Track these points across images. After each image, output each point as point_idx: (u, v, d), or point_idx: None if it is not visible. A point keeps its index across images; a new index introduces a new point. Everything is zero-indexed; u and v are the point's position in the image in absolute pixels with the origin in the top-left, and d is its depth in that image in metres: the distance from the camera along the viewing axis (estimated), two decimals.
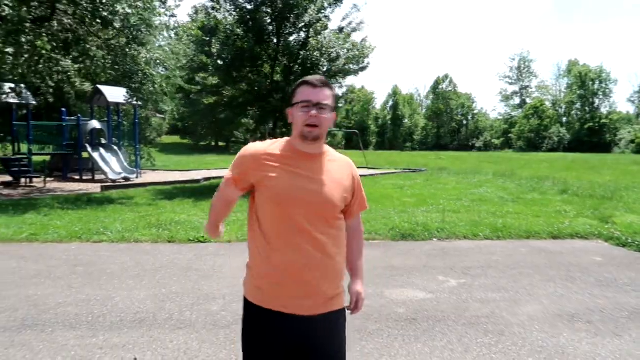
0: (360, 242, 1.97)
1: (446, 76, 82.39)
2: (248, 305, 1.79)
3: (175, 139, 48.10)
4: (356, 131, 36.50)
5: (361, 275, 1.95)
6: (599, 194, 11.84)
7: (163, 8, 12.87)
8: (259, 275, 1.76)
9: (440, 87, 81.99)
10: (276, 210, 1.71)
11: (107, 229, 7.37)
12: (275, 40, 13.38)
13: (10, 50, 10.17)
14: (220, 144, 48.13)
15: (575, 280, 5.00)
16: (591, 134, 64.65)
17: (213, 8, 13.57)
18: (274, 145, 1.79)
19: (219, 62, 13.11)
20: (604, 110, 68.87)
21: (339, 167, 1.82)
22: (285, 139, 1.83)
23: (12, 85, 14.38)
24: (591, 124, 65.49)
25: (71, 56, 12.76)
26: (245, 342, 1.80)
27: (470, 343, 3.48)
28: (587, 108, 68.92)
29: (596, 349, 3.41)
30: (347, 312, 1.87)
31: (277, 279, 1.71)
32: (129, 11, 10.47)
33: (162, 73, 13.85)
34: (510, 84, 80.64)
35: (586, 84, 68.75)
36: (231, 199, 1.92)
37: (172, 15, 13.79)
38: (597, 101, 69.48)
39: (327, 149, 1.84)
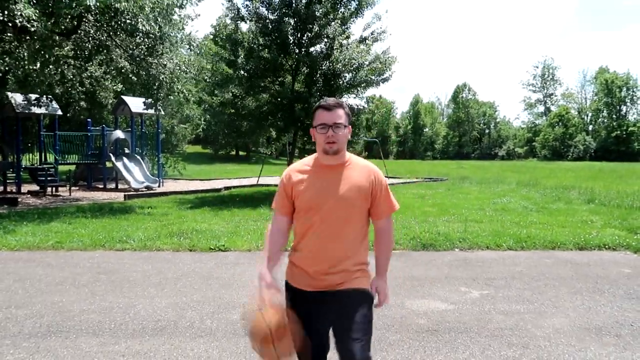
0: (385, 243, 2.27)
1: (465, 84, 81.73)
2: None
3: (197, 148, 48.75)
4: (376, 140, 36.48)
5: (382, 272, 2.26)
6: (627, 203, 11.52)
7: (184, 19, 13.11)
8: None
9: (461, 95, 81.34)
10: (311, 212, 2.10)
11: (130, 237, 7.48)
12: (297, 51, 13.49)
13: (37, 65, 10.51)
14: (241, 153, 48.59)
15: (603, 293, 4.86)
16: (618, 143, 63.17)
17: (236, 19, 13.74)
18: (304, 162, 2.20)
19: (241, 72, 13.25)
20: (631, 118, 67.36)
21: (358, 172, 2.13)
22: (314, 155, 2.20)
23: (39, 97, 14.80)
24: (618, 132, 64.00)
25: (97, 61, 13.04)
26: None
27: (494, 355, 3.40)
28: (613, 116, 67.45)
29: None
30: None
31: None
32: (150, 27, 10.70)
33: (184, 80, 14.08)
34: (534, 91, 79.59)
35: (613, 91, 67.30)
36: (282, 227, 2.22)
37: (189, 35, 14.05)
38: (624, 109, 67.96)
39: (351, 159, 2.17)
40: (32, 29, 9.19)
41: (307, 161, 2.20)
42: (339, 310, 2.08)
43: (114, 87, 16.26)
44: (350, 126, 2.13)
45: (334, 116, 2.06)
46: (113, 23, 10.88)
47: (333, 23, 12.75)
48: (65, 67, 12.37)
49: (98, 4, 9.64)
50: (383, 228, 2.23)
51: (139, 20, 10.45)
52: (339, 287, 2.10)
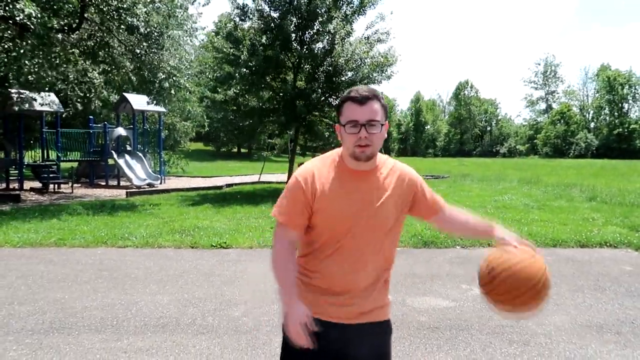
0: (464, 211, 1.94)
1: (467, 82, 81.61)
2: None
3: (199, 145, 48.77)
4: None
5: (488, 221, 1.94)
6: (629, 201, 11.50)
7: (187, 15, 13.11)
8: None
9: (463, 92, 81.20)
10: (342, 227, 1.68)
11: (132, 234, 7.50)
12: (299, 48, 13.48)
13: (38, 61, 10.50)
14: (243, 150, 48.61)
15: (605, 290, 4.86)
16: (620, 140, 63.06)
17: (239, 16, 13.74)
18: (326, 163, 1.72)
19: (244, 69, 13.27)
20: (633, 115, 67.21)
21: (394, 178, 1.73)
22: (336, 153, 1.73)
23: (42, 94, 14.81)
24: (620, 130, 63.87)
25: (100, 68, 13.08)
26: None
27: (495, 353, 3.41)
28: (615, 113, 67.28)
29: None
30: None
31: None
32: (155, 19, 10.69)
33: (187, 76, 14.08)
34: (536, 89, 79.45)
35: (615, 89, 67.11)
36: (293, 248, 1.75)
37: (195, 29, 14.05)
38: (626, 106, 67.79)
39: (381, 160, 1.74)
40: (32, 27, 9.19)
41: (328, 162, 1.72)
42: (373, 349, 1.74)
43: (109, 95, 16.28)
44: (387, 122, 1.68)
45: (368, 111, 1.59)
46: (115, 17, 10.86)
47: (335, 20, 12.74)
48: (70, 67, 12.36)
49: None
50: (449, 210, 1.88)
51: (141, 16, 10.44)
52: (371, 318, 1.73)
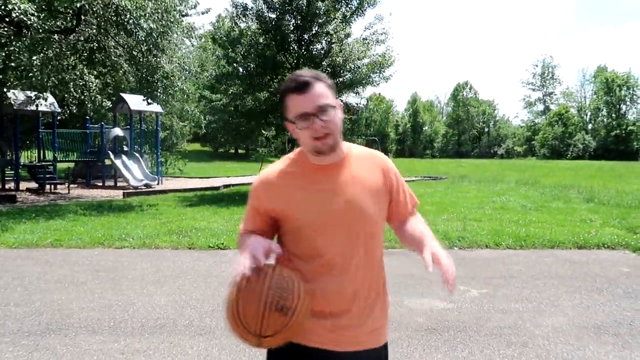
0: (422, 223, 1.65)
1: (466, 83, 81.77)
2: None
3: (196, 146, 48.71)
4: (375, 138, 36.41)
5: (432, 237, 1.54)
6: (627, 202, 11.53)
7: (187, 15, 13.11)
8: None
9: (461, 93, 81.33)
10: (313, 237, 1.47)
11: (129, 235, 7.48)
12: (297, 49, 13.48)
13: (36, 60, 10.45)
14: (240, 151, 48.57)
15: (602, 292, 4.86)
16: (617, 142, 63.22)
17: (237, 16, 13.73)
18: (285, 164, 1.53)
19: (241, 70, 13.27)
20: (631, 117, 67.39)
21: (366, 167, 1.52)
22: (299, 150, 1.52)
23: (39, 94, 14.78)
24: (617, 131, 64.05)
25: (95, 72, 13.06)
26: None
27: (493, 354, 3.41)
28: (613, 115, 67.44)
29: None
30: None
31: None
32: (152, 26, 10.67)
33: (184, 79, 14.08)
34: (534, 90, 79.61)
35: (612, 90, 67.32)
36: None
37: (192, 29, 14.03)
38: (623, 107, 67.98)
39: (349, 150, 1.53)
40: (29, 23, 9.15)
41: (289, 162, 1.52)
42: None
43: (104, 102, 16.24)
44: (338, 101, 1.46)
45: (314, 98, 1.37)
46: (113, 20, 10.84)
47: (334, 21, 12.76)
48: (68, 69, 12.32)
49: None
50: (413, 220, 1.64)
51: (140, 19, 10.41)
52: (367, 345, 1.49)
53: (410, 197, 1.65)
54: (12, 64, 10.47)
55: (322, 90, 1.39)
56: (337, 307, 1.45)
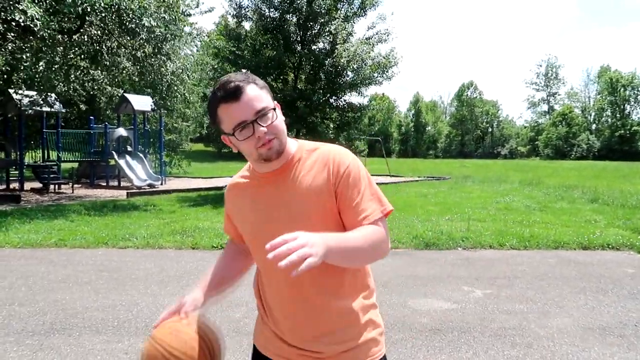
0: (362, 229, 1.25)
1: (471, 83, 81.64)
2: None
3: (200, 146, 48.83)
4: (379, 138, 36.39)
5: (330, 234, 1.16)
6: (631, 203, 11.48)
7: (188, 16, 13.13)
8: None
9: (465, 93, 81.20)
10: (256, 251, 1.40)
11: (133, 235, 7.49)
12: (299, 48, 13.49)
13: (42, 64, 10.50)
14: None
15: (607, 293, 4.84)
16: (622, 142, 62.94)
17: (239, 16, 13.76)
18: (243, 172, 1.46)
19: (243, 70, 13.31)
20: (635, 117, 67.12)
21: (311, 168, 1.32)
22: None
23: (43, 95, 14.84)
24: (622, 131, 63.77)
25: (100, 67, 13.11)
26: None
27: (497, 355, 3.39)
28: (617, 115, 67.17)
29: None
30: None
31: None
32: (154, 23, 10.70)
33: (188, 81, 14.11)
34: (537, 90, 79.41)
35: (617, 90, 67.05)
36: (235, 253, 1.58)
37: (197, 31, 14.08)
38: (628, 108, 67.70)
39: (300, 149, 1.36)
40: (36, 29, 9.19)
41: (248, 169, 1.44)
42: None
43: (114, 92, 16.30)
44: (276, 102, 1.30)
45: (250, 103, 1.22)
46: (116, 21, 10.87)
47: (336, 21, 12.78)
48: (72, 70, 12.38)
49: (102, 2, 9.63)
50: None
51: (143, 19, 10.43)
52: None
53: (367, 206, 1.28)
54: (20, 67, 10.52)
55: (256, 93, 1.24)
56: (294, 331, 1.36)
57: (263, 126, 1.23)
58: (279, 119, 1.27)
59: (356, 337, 1.34)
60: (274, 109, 1.26)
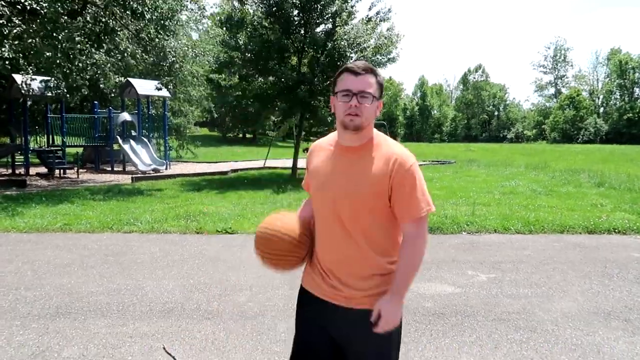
0: (403, 255, 1.70)
1: (479, 66, 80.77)
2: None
3: (205, 130, 48.73)
4: (384, 122, 36.20)
5: (392, 289, 1.69)
6: (638, 187, 11.38)
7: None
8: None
9: (472, 77, 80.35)
10: (315, 201, 1.79)
11: (137, 219, 7.52)
12: (302, 32, 13.33)
13: (48, 47, 10.43)
14: (248, 135, 48.54)
15: (612, 277, 4.82)
16: (630, 125, 62.13)
17: (240, 1, 13.60)
18: (327, 139, 1.83)
19: (246, 54, 13.17)
20: None
21: (377, 160, 1.65)
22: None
23: (47, 79, 14.79)
24: (630, 115, 62.88)
25: (104, 49, 13.02)
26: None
27: (501, 339, 3.39)
28: (626, 98, 66.28)
29: (634, 348, 3.27)
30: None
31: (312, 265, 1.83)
32: (159, 3, 10.58)
33: (192, 61, 14.02)
34: (545, 73, 78.44)
35: (626, 73, 66.05)
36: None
37: (201, 8, 13.93)
38: (637, 91, 66.76)
39: (378, 141, 1.70)
40: (43, 11, 9.10)
41: (332, 137, 1.80)
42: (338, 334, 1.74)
43: (116, 79, 16.22)
44: (381, 101, 1.69)
45: (362, 83, 1.61)
46: (119, 1, 10.76)
47: (337, 1, 12.61)
48: (77, 52, 12.30)
49: None
50: (406, 235, 1.70)
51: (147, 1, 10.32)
52: (343, 303, 1.71)
53: (414, 204, 1.66)
54: (25, 52, 10.47)
55: (371, 81, 1.64)
56: (325, 263, 1.74)
57: (359, 102, 1.61)
58: (372, 107, 1.64)
59: (382, 285, 1.71)
60: (375, 99, 1.65)
